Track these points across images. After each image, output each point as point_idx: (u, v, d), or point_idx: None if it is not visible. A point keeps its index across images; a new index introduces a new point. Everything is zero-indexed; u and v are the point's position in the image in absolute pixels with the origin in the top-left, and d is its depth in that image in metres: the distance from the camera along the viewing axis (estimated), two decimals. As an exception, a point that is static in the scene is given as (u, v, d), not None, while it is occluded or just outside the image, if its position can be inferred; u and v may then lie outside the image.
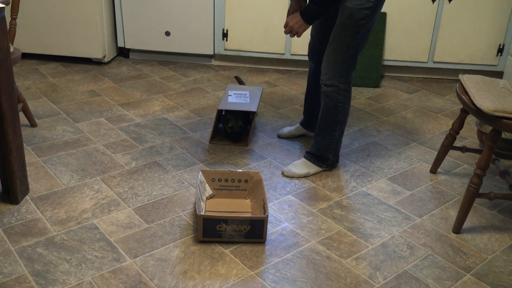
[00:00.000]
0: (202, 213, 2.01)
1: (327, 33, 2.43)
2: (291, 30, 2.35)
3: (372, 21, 2.26)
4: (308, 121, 2.83)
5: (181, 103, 3.28)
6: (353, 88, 3.64)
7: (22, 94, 2.80)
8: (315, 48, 2.60)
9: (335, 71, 2.31)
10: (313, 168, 2.52)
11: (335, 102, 2.37)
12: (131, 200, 2.26)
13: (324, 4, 2.24)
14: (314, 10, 2.27)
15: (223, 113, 2.85)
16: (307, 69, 3.93)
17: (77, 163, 2.52)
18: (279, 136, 2.88)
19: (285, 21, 2.39)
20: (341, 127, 2.45)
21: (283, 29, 3.70)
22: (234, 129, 2.75)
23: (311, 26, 2.57)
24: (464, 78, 2.25)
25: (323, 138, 2.47)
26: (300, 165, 2.52)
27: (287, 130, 2.89)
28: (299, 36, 2.37)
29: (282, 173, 2.51)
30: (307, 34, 3.81)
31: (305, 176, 2.50)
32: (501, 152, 2.53)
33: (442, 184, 2.51)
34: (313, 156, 2.53)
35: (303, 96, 3.46)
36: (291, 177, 2.49)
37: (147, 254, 1.93)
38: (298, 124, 2.88)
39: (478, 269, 1.94)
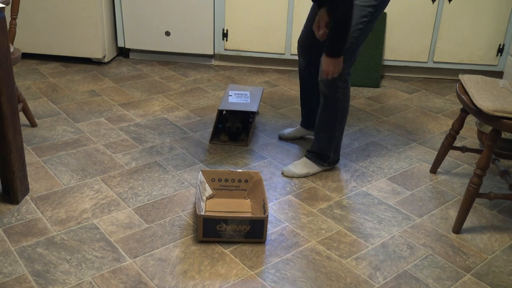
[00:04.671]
0: (202, 213, 2.01)
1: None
2: (328, 74, 2.27)
3: (375, 19, 2.27)
4: (308, 121, 2.82)
5: (181, 103, 3.28)
6: (353, 88, 3.65)
7: (22, 94, 2.80)
8: (307, 42, 2.55)
9: None
10: (313, 168, 2.52)
11: (334, 99, 2.37)
12: (131, 200, 2.26)
13: (342, 39, 2.18)
14: (335, 43, 2.20)
15: (224, 112, 2.86)
16: (307, 69, 3.94)
17: (77, 163, 2.52)
18: (280, 138, 2.87)
19: (321, 63, 2.27)
20: (341, 125, 2.45)
21: (283, 29, 3.72)
22: (231, 129, 2.77)
23: (305, 21, 2.56)
24: (464, 78, 2.25)
25: (323, 136, 2.47)
26: (300, 165, 2.52)
27: (287, 131, 2.88)
28: (336, 74, 2.29)
29: (282, 173, 2.51)
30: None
31: (305, 176, 2.50)
32: (501, 152, 2.53)
33: (442, 184, 2.51)
34: (314, 155, 2.53)
35: (303, 96, 3.46)
36: (291, 177, 2.49)
37: (147, 254, 1.93)
38: (299, 126, 2.87)
39: (478, 269, 1.94)
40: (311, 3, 2.46)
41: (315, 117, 2.66)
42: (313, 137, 2.79)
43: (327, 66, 2.23)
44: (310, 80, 2.62)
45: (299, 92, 2.78)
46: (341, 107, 2.39)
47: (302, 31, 2.60)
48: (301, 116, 2.85)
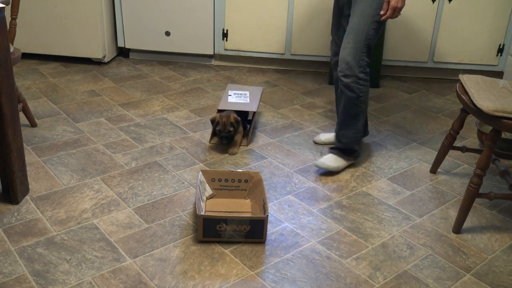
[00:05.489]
0: (202, 213, 2.01)
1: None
2: (396, 10, 2.25)
3: None
4: None
5: (181, 103, 3.28)
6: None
7: (22, 94, 2.80)
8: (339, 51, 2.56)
9: (354, 61, 2.35)
10: (342, 162, 2.55)
11: (356, 92, 2.40)
12: (131, 200, 2.26)
13: None
14: None
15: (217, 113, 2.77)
16: (307, 69, 3.94)
17: (77, 163, 2.52)
18: (316, 143, 2.83)
19: (385, 7, 2.25)
20: (363, 117, 2.50)
21: (283, 29, 3.71)
22: (221, 133, 2.65)
23: (330, 29, 2.59)
24: (464, 78, 2.25)
25: (348, 131, 2.50)
26: (332, 159, 2.53)
27: (324, 137, 2.83)
28: (400, 12, 2.28)
29: (316, 166, 2.52)
30: (308, 36, 3.80)
31: (337, 170, 2.53)
32: (501, 152, 2.53)
33: (442, 184, 2.51)
34: (340, 151, 2.55)
35: (303, 96, 3.46)
36: (326, 168, 2.50)
37: (147, 254, 1.93)
38: (334, 133, 2.80)
39: (478, 269, 1.94)
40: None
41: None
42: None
43: (397, 1, 2.23)
44: None
45: (335, 102, 2.77)
46: (363, 100, 2.44)
47: (332, 45, 2.61)
48: (336, 124, 2.80)
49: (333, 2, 2.59)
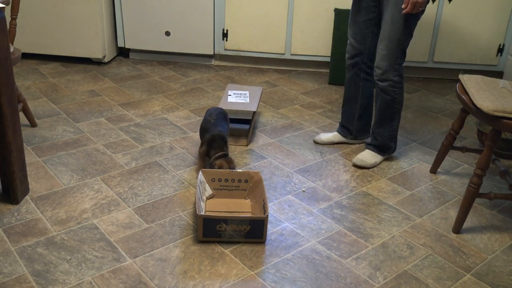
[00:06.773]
0: (202, 213, 2.01)
1: (373, 27, 2.51)
2: (415, 6, 2.23)
3: (421, 14, 2.35)
4: (346, 130, 2.81)
5: (181, 103, 3.28)
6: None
7: (22, 94, 2.80)
8: (360, 47, 2.58)
9: (389, 66, 2.40)
10: (378, 158, 2.63)
11: (392, 95, 2.47)
12: (131, 200, 2.26)
13: None
14: None
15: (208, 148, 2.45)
16: (307, 69, 3.94)
17: (77, 163, 2.52)
18: (316, 142, 2.83)
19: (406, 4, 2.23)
20: (399, 116, 2.56)
21: (283, 29, 3.71)
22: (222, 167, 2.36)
23: (348, 30, 2.60)
24: (464, 78, 2.25)
25: (383, 130, 2.57)
26: (368, 156, 2.61)
27: (325, 137, 2.83)
28: (422, 7, 2.26)
29: (353, 164, 2.60)
30: (308, 36, 3.80)
31: (374, 166, 2.60)
32: (501, 152, 2.53)
33: (442, 184, 2.51)
34: (376, 148, 2.63)
35: (303, 96, 3.46)
36: (364, 167, 2.58)
37: (147, 254, 1.93)
38: (335, 132, 2.84)
39: (478, 269, 1.94)
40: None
41: (353, 126, 2.76)
42: (347, 142, 2.83)
43: None
44: (356, 90, 2.68)
45: (343, 101, 2.77)
46: (398, 101, 2.50)
47: (348, 48, 2.62)
48: (339, 123, 2.84)
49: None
